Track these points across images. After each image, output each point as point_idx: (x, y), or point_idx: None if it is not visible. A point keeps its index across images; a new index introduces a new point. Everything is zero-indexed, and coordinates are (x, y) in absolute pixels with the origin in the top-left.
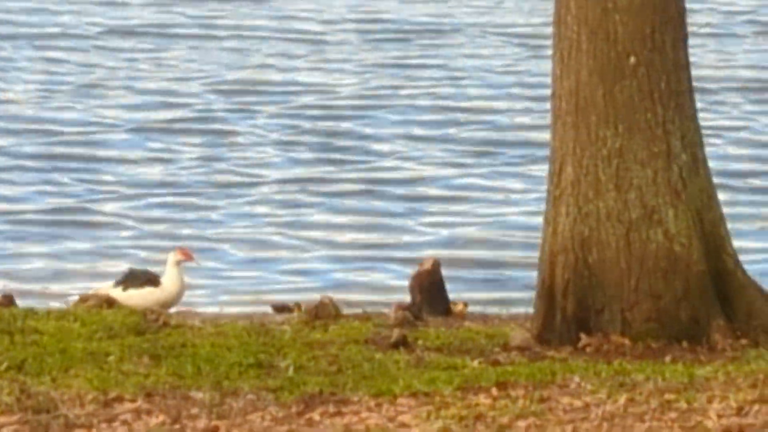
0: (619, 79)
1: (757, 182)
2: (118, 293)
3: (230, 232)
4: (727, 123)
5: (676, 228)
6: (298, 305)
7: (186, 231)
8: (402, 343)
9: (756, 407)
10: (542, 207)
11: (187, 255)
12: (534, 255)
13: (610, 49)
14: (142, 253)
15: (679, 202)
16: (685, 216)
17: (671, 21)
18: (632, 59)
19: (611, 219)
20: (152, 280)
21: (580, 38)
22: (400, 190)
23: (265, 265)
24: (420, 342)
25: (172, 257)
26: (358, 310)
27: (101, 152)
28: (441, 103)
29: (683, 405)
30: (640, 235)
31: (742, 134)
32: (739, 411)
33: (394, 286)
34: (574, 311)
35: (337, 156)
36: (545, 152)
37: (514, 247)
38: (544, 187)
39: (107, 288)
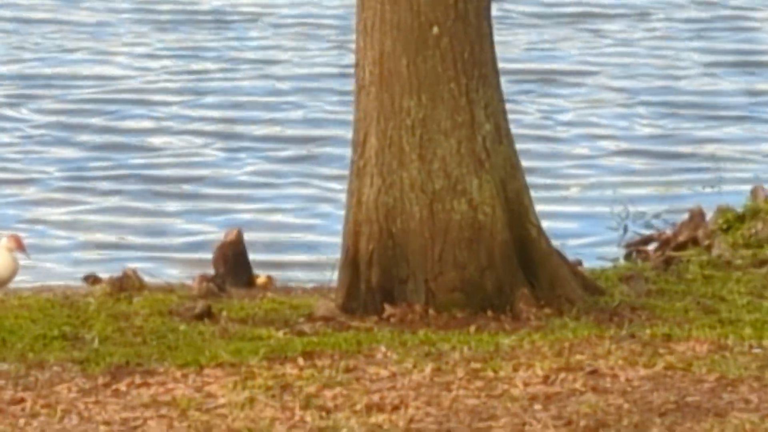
0: (423, 50)
1: None
2: None
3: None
4: None
5: (480, 197)
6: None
7: None
8: (206, 315)
9: (562, 375)
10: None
11: (19, 245)
12: None
13: (413, 20)
14: None
15: (483, 171)
16: (489, 185)
17: None
18: (435, 29)
19: (415, 189)
20: None
21: (383, 8)
22: (178, 184)
23: (38, 261)
24: (224, 313)
25: (4, 242)
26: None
27: None
28: (223, 94)
29: (490, 374)
30: (444, 206)
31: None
32: (546, 379)
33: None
34: (378, 281)
35: (115, 149)
36: (328, 142)
37: (294, 247)
38: (323, 184)
39: None
